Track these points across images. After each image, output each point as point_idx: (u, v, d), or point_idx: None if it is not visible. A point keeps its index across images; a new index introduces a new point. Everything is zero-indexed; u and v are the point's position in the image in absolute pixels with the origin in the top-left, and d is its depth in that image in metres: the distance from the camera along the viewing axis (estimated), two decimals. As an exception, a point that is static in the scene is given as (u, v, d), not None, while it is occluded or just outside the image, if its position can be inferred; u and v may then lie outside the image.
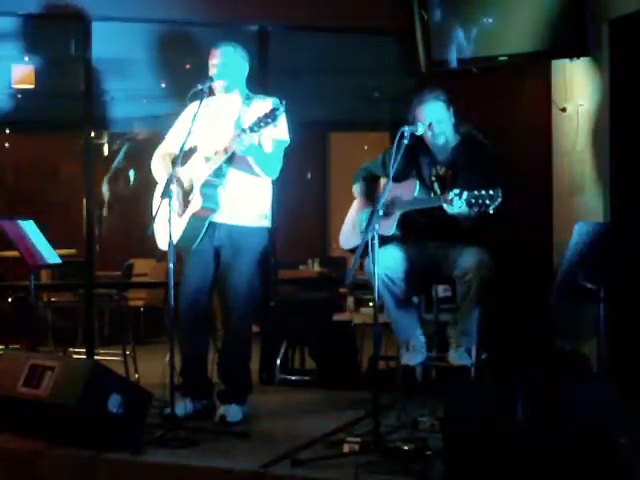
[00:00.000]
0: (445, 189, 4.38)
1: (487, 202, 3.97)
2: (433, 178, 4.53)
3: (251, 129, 4.17)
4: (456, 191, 4.07)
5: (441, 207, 4.18)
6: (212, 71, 4.44)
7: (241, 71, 4.52)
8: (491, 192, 3.97)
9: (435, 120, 4.43)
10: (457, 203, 4.07)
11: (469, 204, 4.02)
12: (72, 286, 6.69)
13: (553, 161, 5.65)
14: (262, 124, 4.16)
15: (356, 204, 4.81)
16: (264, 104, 4.40)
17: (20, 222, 5.04)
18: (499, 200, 3.95)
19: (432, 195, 4.46)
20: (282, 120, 4.36)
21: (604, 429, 3.16)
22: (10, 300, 6.37)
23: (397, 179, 4.44)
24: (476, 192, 4.00)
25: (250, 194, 4.45)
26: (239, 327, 4.51)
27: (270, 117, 4.16)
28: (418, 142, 4.46)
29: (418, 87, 5.55)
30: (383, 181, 4.65)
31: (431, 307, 4.83)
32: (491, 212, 3.98)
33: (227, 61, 4.45)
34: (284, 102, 4.28)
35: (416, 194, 4.42)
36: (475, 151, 4.47)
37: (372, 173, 4.76)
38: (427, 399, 4.38)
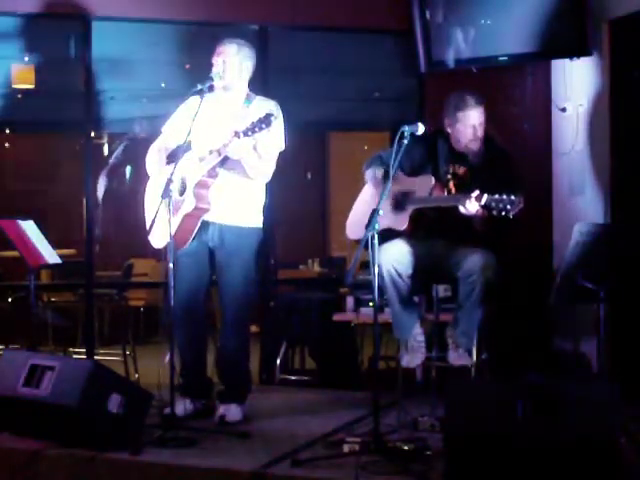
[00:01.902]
0: (460, 189, 4.36)
1: (508, 207, 3.94)
2: (449, 176, 4.49)
3: (245, 134, 4.17)
4: (475, 195, 4.06)
5: (455, 207, 4.17)
6: (213, 69, 4.42)
7: (243, 70, 4.46)
8: (513, 197, 3.94)
9: (478, 124, 4.43)
10: (474, 205, 4.06)
11: (488, 207, 4.00)
12: (72, 286, 6.69)
13: (553, 161, 5.66)
14: (256, 129, 4.15)
15: (367, 190, 4.75)
16: (264, 106, 4.39)
17: (20, 222, 5.04)
18: (520, 206, 3.93)
19: (445, 193, 4.44)
20: (278, 126, 4.35)
21: (604, 429, 3.16)
22: (10, 300, 6.38)
23: (412, 173, 4.43)
24: (497, 195, 3.98)
25: (243, 194, 4.45)
26: (237, 327, 4.51)
27: (264, 122, 4.14)
28: (438, 137, 4.46)
29: (424, 86, 5.57)
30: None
31: (431, 307, 4.83)
32: (511, 217, 3.95)
33: (228, 60, 4.41)
34: (278, 108, 4.25)
35: (430, 191, 4.40)
36: (496, 156, 4.45)
37: (384, 162, 4.71)
38: (427, 399, 4.38)
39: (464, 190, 4.20)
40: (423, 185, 4.42)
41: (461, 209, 4.14)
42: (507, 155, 4.50)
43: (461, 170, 4.49)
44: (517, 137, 5.49)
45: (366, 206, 4.64)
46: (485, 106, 4.47)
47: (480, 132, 4.44)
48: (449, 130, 4.49)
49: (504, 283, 4.43)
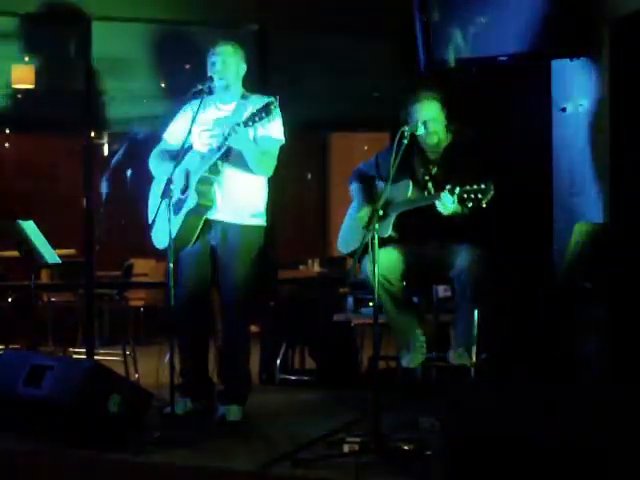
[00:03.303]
0: (438, 188, 4.39)
1: (479, 196, 3.99)
2: (426, 177, 4.53)
3: (245, 123, 4.21)
4: (448, 187, 4.10)
5: (436, 207, 4.19)
6: (212, 70, 4.45)
7: (240, 71, 4.54)
8: (482, 186, 4.00)
9: (430, 119, 4.45)
10: (449, 199, 4.09)
11: (462, 199, 4.05)
12: (72, 286, 6.69)
13: (553, 161, 5.65)
14: (256, 118, 4.20)
15: (354, 205, 4.80)
16: (261, 102, 4.41)
17: (20, 222, 5.04)
18: (491, 193, 3.97)
19: (426, 194, 4.47)
20: (277, 120, 4.38)
21: (603, 429, 3.16)
22: (10, 300, 6.38)
23: (391, 181, 4.45)
24: (468, 187, 4.03)
25: (246, 192, 4.46)
26: (238, 326, 4.52)
27: (264, 111, 4.19)
28: (411, 142, 4.47)
29: (414, 86, 5.57)
30: (379, 183, 4.67)
31: (431, 307, 4.84)
32: (484, 206, 3.99)
33: (227, 60, 4.46)
34: (277, 97, 4.28)
35: (409, 194, 4.43)
36: (466, 149, 4.48)
37: (366, 174, 4.76)
38: (427, 399, 4.38)
39: (442, 189, 4.23)
40: (401, 191, 4.45)
41: (438, 207, 4.17)
42: (478, 149, 4.51)
43: (435, 170, 4.52)
44: (517, 137, 5.48)
45: (354, 221, 4.69)
46: (443, 102, 4.49)
47: (432, 127, 4.45)
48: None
49: (504, 283, 4.44)
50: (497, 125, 5.31)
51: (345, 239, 4.74)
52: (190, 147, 4.45)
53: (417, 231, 4.46)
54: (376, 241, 3.86)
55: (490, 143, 4.69)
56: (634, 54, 4.99)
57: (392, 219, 4.42)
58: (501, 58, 5.32)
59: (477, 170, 4.21)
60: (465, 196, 4.03)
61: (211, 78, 4.40)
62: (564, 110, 5.46)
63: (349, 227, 4.74)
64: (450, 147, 4.53)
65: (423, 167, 4.55)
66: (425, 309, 4.84)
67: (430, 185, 4.50)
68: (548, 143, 5.65)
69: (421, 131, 4.30)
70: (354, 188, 4.79)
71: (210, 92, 4.45)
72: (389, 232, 4.41)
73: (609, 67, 5.12)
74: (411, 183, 4.44)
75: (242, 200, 4.45)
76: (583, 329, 5.05)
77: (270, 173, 4.48)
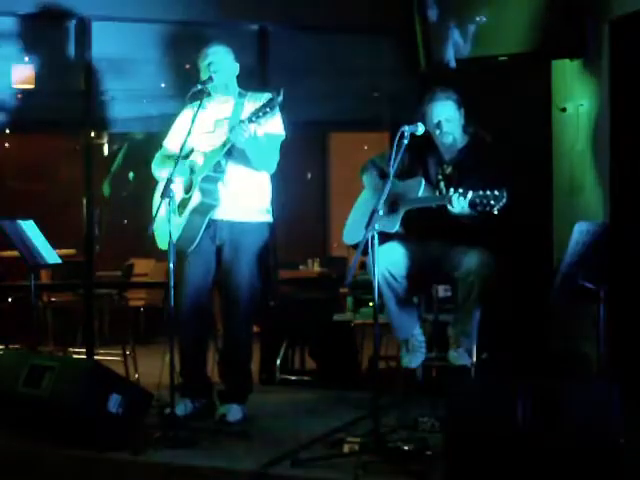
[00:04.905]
0: (450, 188, 4.38)
1: (492, 202, 3.96)
2: (439, 177, 4.51)
3: (250, 119, 4.20)
4: (460, 190, 4.08)
5: (445, 206, 4.18)
6: (209, 70, 4.45)
7: (234, 70, 4.56)
8: (496, 192, 3.96)
9: (444, 119, 4.43)
10: (461, 202, 4.07)
11: (473, 204, 4.02)
12: (72, 286, 6.69)
13: (553, 161, 5.65)
14: (260, 114, 4.19)
15: (363, 196, 4.77)
16: (259, 98, 4.42)
17: (20, 222, 5.04)
18: (504, 201, 3.95)
19: (437, 194, 4.46)
20: (277, 115, 4.39)
21: (604, 429, 3.16)
22: (10, 300, 6.38)
23: (403, 176, 4.44)
24: (481, 192, 4.00)
25: (250, 189, 4.46)
26: (240, 326, 4.52)
27: (268, 107, 4.18)
28: (426, 140, 4.46)
29: (424, 86, 5.57)
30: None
31: (431, 307, 4.84)
32: (495, 213, 3.97)
33: (224, 59, 4.49)
34: (282, 90, 4.27)
35: (421, 192, 4.41)
36: (482, 153, 4.46)
37: (378, 165, 4.74)
38: (427, 399, 4.38)
39: (454, 189, 4.21)
40: (412, 187, 4.43)
41: (449, 207, 4.16)
42: (494, 152, 4.50)
43: (449, 170, 4.51)
44: (517, 137, 5.48)
45: (361, 212, 4.67)
46: (460, 102, 4.47)
47: (446, 127, 4.44)
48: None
49: (504, 283, 4.43)
50: (497, 125, 5.30)
51: (351, 231, 4.71)
52: (192, 149, 4.45)
53: (424, 229, 4.45)
54: (376, 241, 3.85)
55: (506, 147, 4.67)
56: (634, 54, 4.99)
57: (401, 215, 4.41)
58: (501, 58, 5.33)
59: (492, 175, 4.19)
60: (477, 201, 4.00)
61: (210, 78, 4.40)
62: (564, 110, 5.47)
63: (356, 219, 4.71)
64: (466, 149, 4.51)
65: (436, 166, 4.53)
66: (425, 309, 4.84)
67: (442, 185, 4.48)
68: (548, 143, 5.65)
69: (421, 132, 4.28)
70: (366, 178, 4.76)
71: (209, 93, 4.45)
72: (396, 228, 4.40)
73: (609, 67, 5.12)
74: (423, 181, 4.43)
75: (247, 198, 4.46)
76: (583, 329, 5.05)
77: (274, 169, 4.49)
